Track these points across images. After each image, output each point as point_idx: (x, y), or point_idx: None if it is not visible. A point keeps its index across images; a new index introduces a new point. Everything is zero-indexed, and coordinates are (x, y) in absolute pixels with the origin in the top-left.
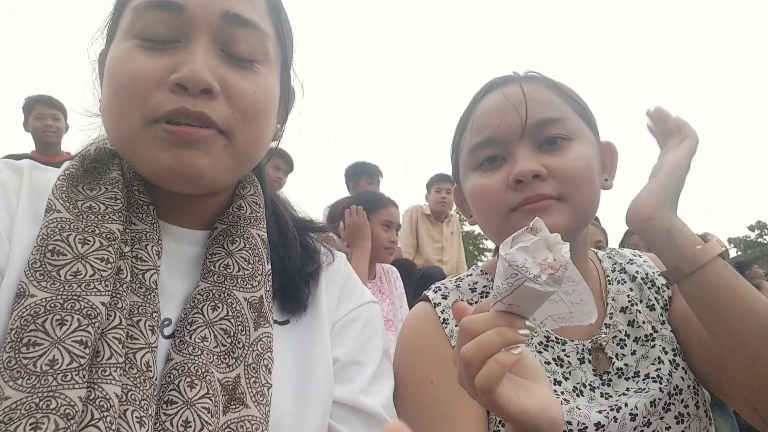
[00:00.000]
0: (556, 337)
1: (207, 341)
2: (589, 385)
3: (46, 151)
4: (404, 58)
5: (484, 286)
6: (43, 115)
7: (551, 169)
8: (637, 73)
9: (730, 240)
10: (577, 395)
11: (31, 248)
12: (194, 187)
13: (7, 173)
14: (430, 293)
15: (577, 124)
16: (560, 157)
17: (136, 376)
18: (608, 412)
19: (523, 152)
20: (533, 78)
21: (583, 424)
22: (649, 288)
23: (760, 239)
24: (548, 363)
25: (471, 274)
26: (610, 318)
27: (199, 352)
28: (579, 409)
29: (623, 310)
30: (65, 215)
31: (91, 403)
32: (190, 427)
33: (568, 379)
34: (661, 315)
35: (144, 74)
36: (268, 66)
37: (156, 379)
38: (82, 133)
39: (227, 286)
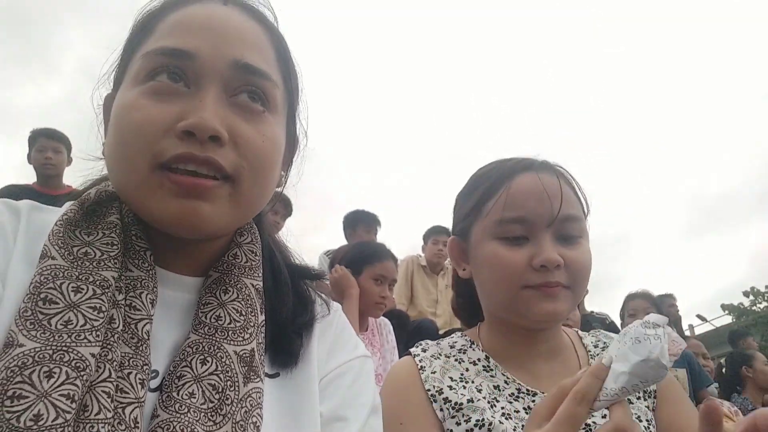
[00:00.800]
0: (527, 389)
1: (195, 397)
2: None
3: (47, 183)
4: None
5: (462, 345)
6: (44, 148)
7: (567, 261)
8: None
9: (723, 307)
10: None
11: (24, 293)
12: (197, 234)
13: (6, 215)
14: (412, 349)
15: (584, 223)
16: (575, 251)
17: None
18: None
19: (548, 241)
20: (562, 172)
21: None
22: None
23: (754, 307)
24: (518, 411)
25: (452, 337)
26: None
27: (186, 410)
28: None
29: None
30: (60, 262)
31: None
32: None
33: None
34: (642, 395)
35: (152, 121)
36: (275, 115)
37: None
38: (82, 177)
39: (218, 339)
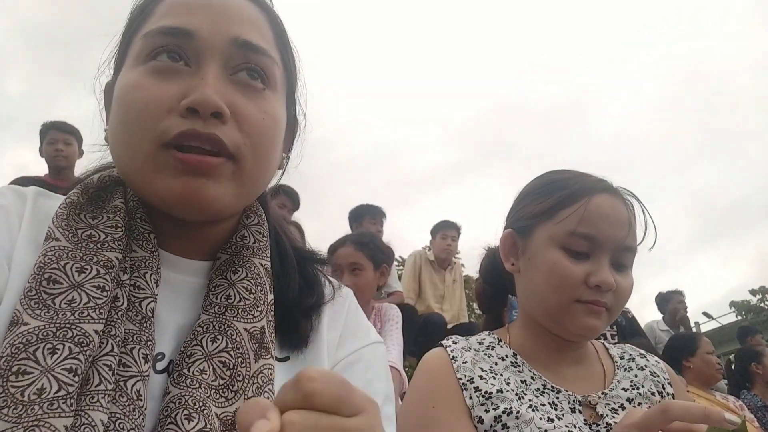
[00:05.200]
0: (552, 386)
1: (205, 374)
2: (578, 429)
3: (59, 175)
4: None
5: (490, 342)
6: (56, 140)
7: (616, 286)
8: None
9: (732, 304)
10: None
11: (29, 275)
12: (202, 214)
13: (11, 199)
14: (443, 341)
15: (635, 255)
16: (623, 279)
17: (126, 404)
18: None
19: (606, 264)
20: (633, 204)
21: None
22: (654, 384)
23: (762, 304)
24: (543, 405)
25: (480, 335)
26: (611, 390)
27: (197, 385)
28: None
29: (625, 389)
30: (64, 243)
31: (76, 429)
32: None
33: (561, 419)
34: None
35: (155, 101)
36: (275, 93)
37: (145, 409)
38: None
39: (228, 317)
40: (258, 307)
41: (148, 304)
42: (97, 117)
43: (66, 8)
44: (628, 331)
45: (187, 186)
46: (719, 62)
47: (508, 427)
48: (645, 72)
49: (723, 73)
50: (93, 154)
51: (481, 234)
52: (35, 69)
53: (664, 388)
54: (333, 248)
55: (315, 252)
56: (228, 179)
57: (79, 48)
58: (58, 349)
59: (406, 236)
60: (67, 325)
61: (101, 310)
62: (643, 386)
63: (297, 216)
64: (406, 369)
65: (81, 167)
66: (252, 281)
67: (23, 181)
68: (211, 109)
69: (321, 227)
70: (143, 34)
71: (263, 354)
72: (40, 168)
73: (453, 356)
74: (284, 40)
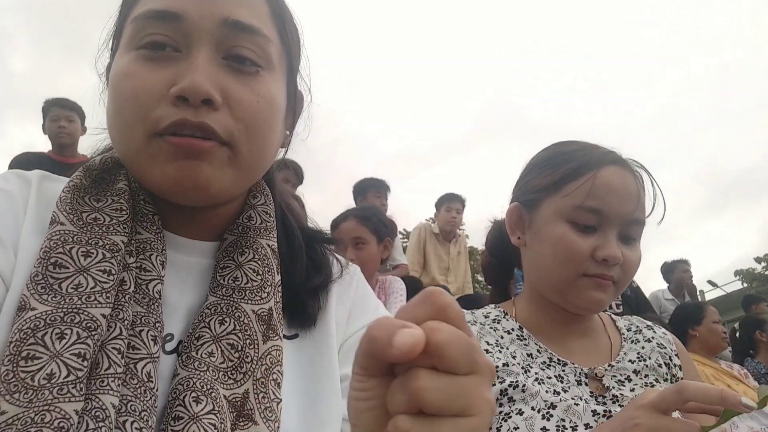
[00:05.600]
0: (558, 359)
1: (213, 357)
2: (584, 401)
3: (62, 152)
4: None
5: (496, 315)
6: (58, 117)
7: (624, 260)
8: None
9: (736, 273)
10: (575, 404)
11: (35, 260)
12: (200, 199)
13: (15, 184)
14: None
15: (644, 227)
16: (631, 252)
17: (137, 386)
18: (600, 417)
19: (614, 238)
20: (642, 175)
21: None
22: (661, 356)
23: (767, 272)
24: (549, 378)
25: (486, 308)
26: (618, 362)
27: (205, 368)
28: (576, 405)
29: (631, 361)
30: (69, 228)
31: (87, 413)
32: None
33: (567, 391)
34: (666, 376)
35: (145, 89)
36: (272, 72)
37: (157, 390)
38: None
39: (235, 299)
40: (265, 288)
41: (155, 285)
42: (99, 99)
43: None
44: (634, 301)
45: (181, 169)
46: (728, 31)
47: (515, 401)
48: (653, 43)
49: (732, 42)
50: (97, 136)
51: (487, 205)
52: (39, 45)
53: (671, 360)
54: (336, 223)
55: (322, 231)
56: (224, 164)
57: (83, 23)
58: (66, 334)
59: (411, 210)
60: (75, 310)
61: (108, 294)
62: (650, 358)
63: (300, 190)
64: None
65: (84, 143)
66: (259, 262)
67: (27, 157)
68: (200, 96)
69: (325, 201)
70: (132, 18)
71: (271, 335)
72: (46, 146)
73: None
74: (282, 15)
